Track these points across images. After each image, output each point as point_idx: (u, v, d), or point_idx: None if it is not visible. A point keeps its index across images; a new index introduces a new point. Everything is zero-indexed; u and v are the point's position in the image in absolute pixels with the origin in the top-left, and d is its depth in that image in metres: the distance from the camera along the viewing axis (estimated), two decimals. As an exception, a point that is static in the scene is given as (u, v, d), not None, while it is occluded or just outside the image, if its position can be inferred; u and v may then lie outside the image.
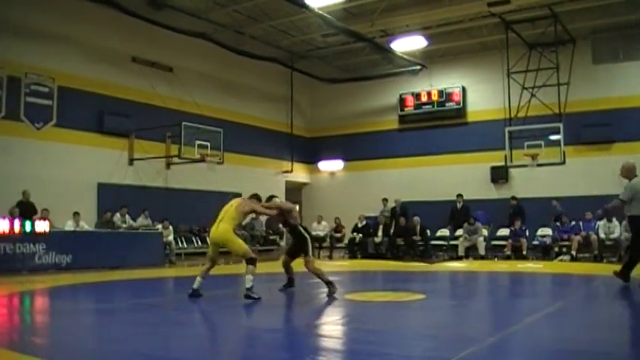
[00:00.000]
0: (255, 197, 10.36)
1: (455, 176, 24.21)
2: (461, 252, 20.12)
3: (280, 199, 10.53)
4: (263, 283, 10.21)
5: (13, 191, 16.66)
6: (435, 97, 25.62)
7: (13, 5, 17.88)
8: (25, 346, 6.23)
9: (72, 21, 19.22)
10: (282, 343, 6.52)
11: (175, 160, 21.04)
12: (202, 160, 20.61)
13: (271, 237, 24.25)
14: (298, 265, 10.75)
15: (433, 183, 24.74)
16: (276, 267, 12.55)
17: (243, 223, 10.54)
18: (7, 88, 17.72)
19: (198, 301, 9.55)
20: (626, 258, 12.93)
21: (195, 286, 9.70)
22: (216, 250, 10.06)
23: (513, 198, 21.87)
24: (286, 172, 27.64)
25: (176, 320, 8.34)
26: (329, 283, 10.14)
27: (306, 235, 10.63)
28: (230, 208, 9.91)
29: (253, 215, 11.13)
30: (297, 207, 10.30)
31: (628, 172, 11.53)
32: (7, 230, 14.36)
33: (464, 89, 25.17)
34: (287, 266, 11.03)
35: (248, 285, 9.38)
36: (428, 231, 21.18)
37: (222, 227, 9.72)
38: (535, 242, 20.43)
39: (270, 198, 10.86)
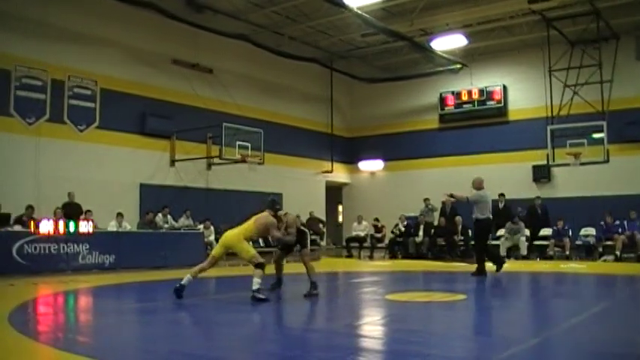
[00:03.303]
0: (273, 209, 10.11)
1: (496, 176, 23.84)
2: (502, 252, 19.89)
3: (285, 214, 10.32)
4: (304, 283, 10.19)
5: (59, 193, 16.94)
6: (475, 96, 25.44)
7: (56, 10, 18.17)
8: (69, 344, 6.32)
9: (114, 24, 19.46)
10: (323, 343, 6.52)
11: (216, 160, 21.18)
12: (243, 160, 20.71)
13: (312, 237, 24.27)
14: (327, 265, 10.71)
15: (474, 182, 24.50)
16: (317, 267, 12.53)
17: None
18: (51, 91, 18.03)
19: (238, 301, 9.59)
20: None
21: (183, 282, 9.68)
22: (223, 252, 10.10)
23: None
24: (326, 172, 27.66)
25: (216, 320, 8.39)
26: (313, 284, 10.07)
27: (305, 229, 10.57)
28: (250, 222, 9.96)
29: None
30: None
31: None
32: (52, 231, 14.61)
33: (505, 88, 24.94)
34: (278, 263, 10.88)
35: (254, 287, 9.38)
36: (469, 231, 20.99)
37: (235, 232, 9.90)
38: (578, 242, 20.16)
39: (274, 206, 10.46)
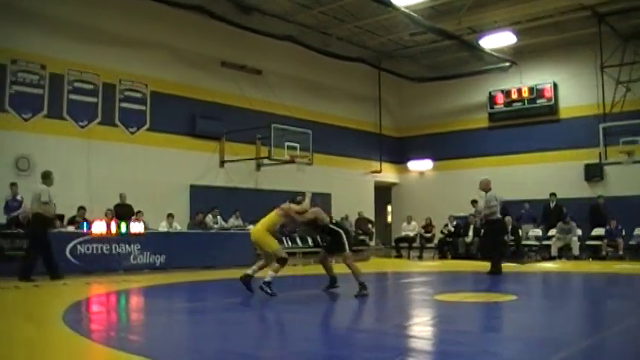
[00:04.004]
0: (294, 201, 10.55)
1: (547, 174, 23.62)
2: (554, 252, 19.62)
3: (307, 198, 10.46)
4: (352, 283, 10.19)
5: (111, 194, 17.22)
6: (525, 94, 25.10)
7: (106, 15, 18.47)
8: (120, 342, 6.41)
9: (163, 28, 19.72)
10: (372, 343, 6.50)
11: (265, 161, 21.29)
12: (292, 161, 20.77)
13: (361, 237, 24.27)
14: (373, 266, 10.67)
15: (524, 182, 24.18)
16: (366, 267, 12.53)
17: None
18: (102, 94, 18.35)
19: (289, 300, 9.64)
20: None
21: (249, 272, 10.26)
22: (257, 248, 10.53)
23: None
24: (375, 172, 27.61)
25: (266, 319, 8.45)
26: (361, 284, 10.03)
27: (339, 229, 10.43)
28: (273, 212, 10.42)
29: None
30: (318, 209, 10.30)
31: None
32: (104, 231, 14.87)
33: (555, 85, 24.56)
34: (325, 265, 10.90)
35: (267, 279, 9.74)
36: (520, 231, 20.76)
37: (258, 228, 10.37)
38: (632, 242, 19.76)
39: (295, 199, 10.71)
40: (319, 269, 11.14)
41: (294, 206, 10.37)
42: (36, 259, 12.90)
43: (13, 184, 15.05)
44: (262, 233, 10.25)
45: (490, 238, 14.70)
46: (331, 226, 10.41)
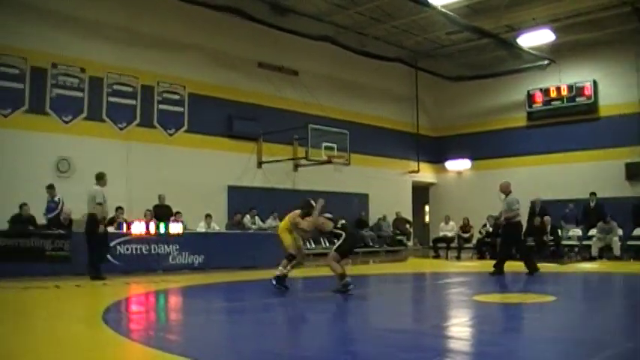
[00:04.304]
0: (302, 209, 10.89)
1: (587, 174, 23.31)
2: (594, 252, 19.30)
3: (317, 206, 10.67)
4: (390, 284, 10.16)
5: (149, 195, 17.38)
6: (564, 93, 24.83)
7: (145, 18, 18.69)
8: (159, 342, 6.46)
9: (200, 30, 19.89)
10: (409, 343, 6.46)
11: (303, 162, 21.35)
12: (329, 161, 20.79)
13: (398, 237, 24.22)
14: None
15: (564, 181, 23.93)
16: (403, 268, 12.50)
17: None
18: (141, 96, 18.55)
19: (326, 300, 9.64)
20: None
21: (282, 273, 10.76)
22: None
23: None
24: (413, 172, 27.52)
25: (304, 319, 8.45)
26: (343, 285, 10.14)
27: (341, 231, 10.56)
28: (288, 216, 11.11)
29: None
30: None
31: None
32: (143, 232, 15.01)
33: (595, 83, 24.23)
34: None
35: (277, 273, 10.64)
36: (560, 231, 20.50)
37: (281, 224, 11.29)
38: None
39: (308, 206, 10.86)
40: (352, 270, 11.15)
41: (300, 222, 10.77)
42: (102, 256, 13.51)
43: (49, 186, 15.26)
44: (282, 230, 11.10)
45: (510, 239, 14.60)
46: (335, 230, 10.60)
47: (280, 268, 10.68)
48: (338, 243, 10.41)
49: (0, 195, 15.13)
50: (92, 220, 13.35)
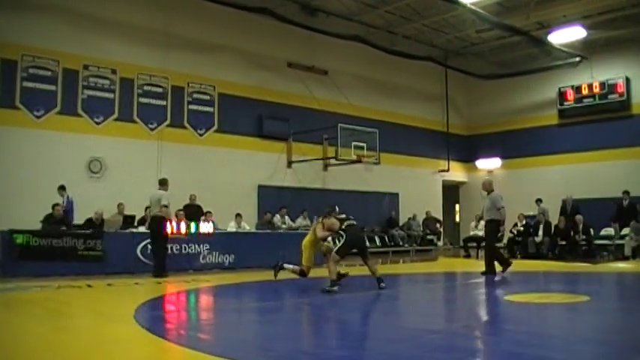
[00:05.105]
0: (325, 216, 11.37)
1: (620, 172, 22.99)
2: (627, 252, 19.04)
3: (335, 213, 11.38)
4: (421, 283, 10.10)
5: (180, 194, 17.43)
6: (596, 90, 24.53)
7: (175, 19, 18.80)
8: (191, 341, 6.49)
9: (231, 31, 19.96)
10: (441, 344, 6.42)
11: (332, 161, 21.31)
12: (359, 161, 20.74)
13: (429, 237, 24.10)
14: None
15: (596, 179, 23.64)
16: (434, 267, 12.42)
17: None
18: (171, 97, 18.67)
19: (357, 300, 9.62)
20: None
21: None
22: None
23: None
24: (443, 171, 27.37)
25: (335, 319, 8.43)
26: (332, 282, 10.41)
27: (343, 233, 10.93)
28: (311, 231, 11.76)
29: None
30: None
31: None
32: (174, 232, 15.08)
33: (628, 80, 23.91)
34: (369, 266, 11.29)
35: (285, 266, 11.87)
36: (592, 230, 20.26)
37: (304, 240, 11.70)
38: None
39: (328, 213, 11.42)
40: (382, 269, 11.11)
41: (318, 232, 11.32)
42: (163, 255, 13.97)
43: (61, 187, 15.38)
44: (305, 246, 11.63)
45: (493, 237, 14.33)
46: (340, 230, 10.98)
47: (289, 266, 11.84)
48: (339, 245, 10.78)
49: (33, 195, 15.32)
50: (159, 222, 13.92)
